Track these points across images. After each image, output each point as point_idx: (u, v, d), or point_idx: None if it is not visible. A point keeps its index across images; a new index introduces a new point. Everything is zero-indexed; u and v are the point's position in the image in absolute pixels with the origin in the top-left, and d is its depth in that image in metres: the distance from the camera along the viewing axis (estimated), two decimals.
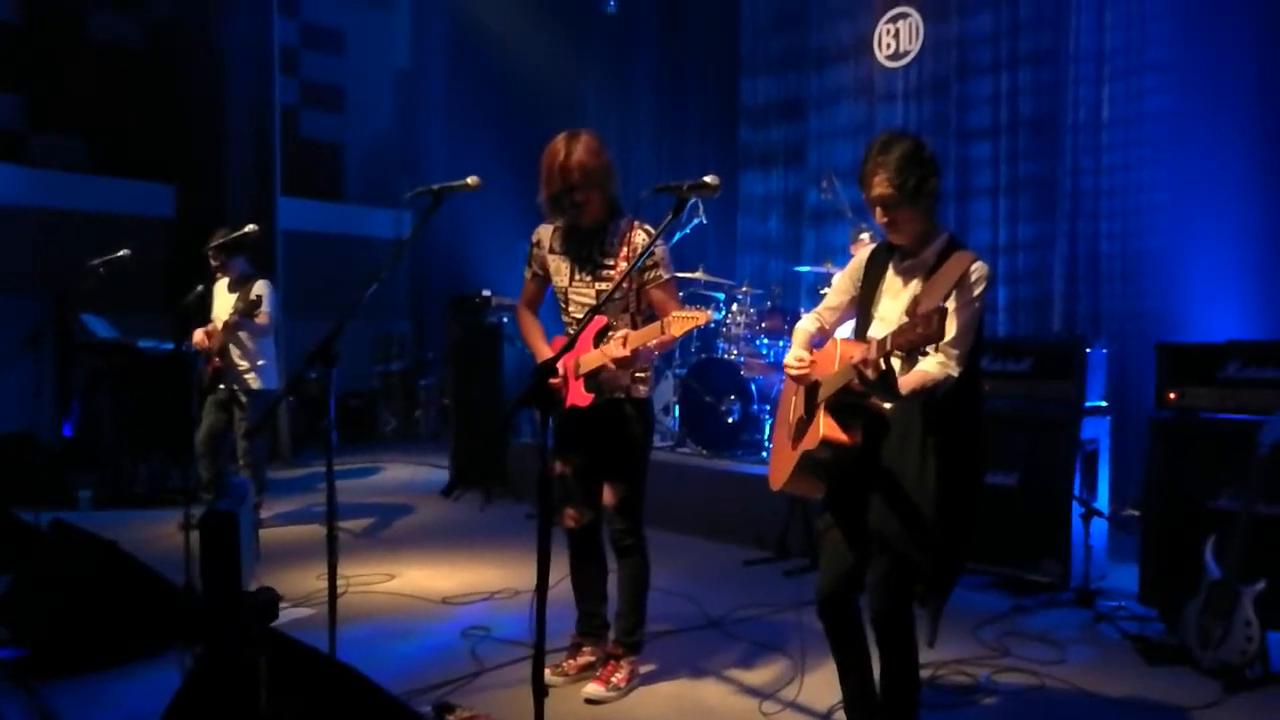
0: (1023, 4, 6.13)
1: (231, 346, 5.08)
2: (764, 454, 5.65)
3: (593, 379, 2.96)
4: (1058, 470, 4.07)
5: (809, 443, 2.35)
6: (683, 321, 2.62)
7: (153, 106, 7.95)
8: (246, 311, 4.87)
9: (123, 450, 6.23)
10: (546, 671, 2.10)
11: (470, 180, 2.75)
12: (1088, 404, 4.15)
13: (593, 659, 3.21)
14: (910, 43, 6.76)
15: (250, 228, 4.42)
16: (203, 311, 5.05)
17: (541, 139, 3.02)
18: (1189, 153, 5.26)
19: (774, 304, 6.29)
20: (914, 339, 2.02)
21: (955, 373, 2.29)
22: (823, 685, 3.01)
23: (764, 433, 5.78)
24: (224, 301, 5.15)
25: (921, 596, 2.41)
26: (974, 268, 2.31)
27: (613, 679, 3.07)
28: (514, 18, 8.69)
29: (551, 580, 2.01)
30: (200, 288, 4.63)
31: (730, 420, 5.80)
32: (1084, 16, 5.79)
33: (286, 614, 3.74)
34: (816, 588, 2.50)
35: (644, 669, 3.23)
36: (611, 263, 3.00)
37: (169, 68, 8.07)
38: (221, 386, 5.10)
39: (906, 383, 2.24)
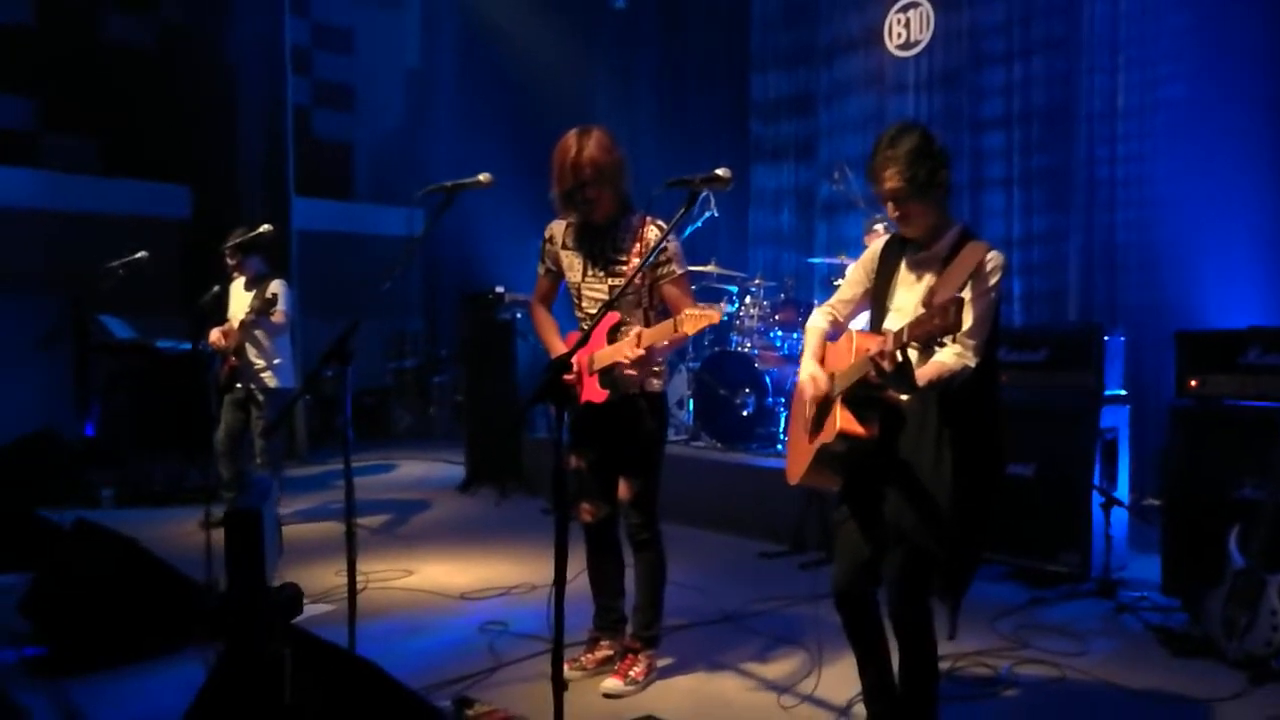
0: None
1: (248, 345, 5.11)
2: (779, 447, 5.64)
3: (607, 375, 2.96)
4: (1076, 460, 4.04)
5: (826, 436, 2.34)
6: (695, 320, 2.62)
7: (166, 108, 8.00)
8: (262, 310, 4.90)
9: (142, 449, 6.28)
10: (564, 666, 2.10)
11: (483, 177, 2.75)
12: (1106, 393, 4.12)
13: (610, 653, 3.22)
14: (921, 32, 6.71)
15: (265, 227, 4.45)
16: (219, 311, 5.09)
17: (551, 136, 3.02)
18: (1204, 141, 5.21)
19: (787, 296, 6.28)
20: (931, 330, 2.01)
21: (973, 363, 2.28)
22: (840, 678, 3.00)
23: (778, 426, 5.77)
24: (240, 301, 5.18)
25: (939, 589, 2.40)
26: (989, 257, 2.30)
27: (630, 673, 3.08)
28: (523, 16, 8.69)
29: (568, 575, 2.02)
30: (216, 288, 4.67)
31: (745, 413, 5.79)
32: (1098, 4, 5.72)
33: (306, 610, 3.76)
34: (833, 581, 2.49)
35: (661, 663, 3.23)
36: (624, 258, 3.00)
37: (182, 69, 8.12)
38: (238, 385, 5.13)
39: (923, 374, 2.23)
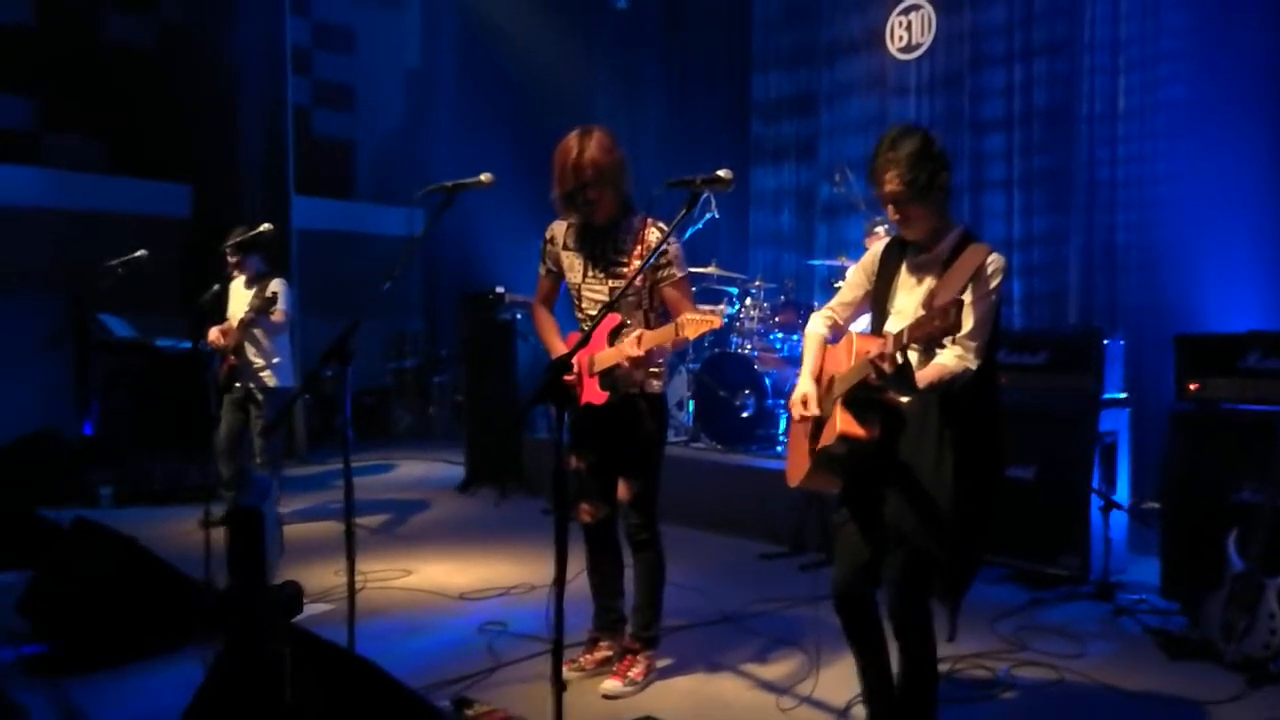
0: None
1: (247, 344, 5.10)
2: (778, 449, 5.64)
3: (607, 376, 2.96)
4: (1075, 463, 4.05)
5: (826, 438, 2.35)
6: (696, 324, 2.62)
7: (166, 107, 7.99)
8: (262, 309, 4.89)
9: (141, 448, 6.28)
10: (563, 666, 2.10)
11: (484, 177, 2.76)
12: (1106, 396, 4.12)
13: (609, 653, 3.22)
14: (922, 35, 6.72)
15: (266, 226, 4.45)
16: (219, 310, 5.08)
17: (552, 136, 3.02)
18: (1205, 143, 5.21)
19: (787, 298, 6.28)
20: (931, 331, 2.01)
21: (974, 365, 2.28)
22: (838, 680, 3.01)
23: (778, 427, 5.77)
24: (240, 299, 5.18)
25: (939, 591, 2.40)
26: (990, 260, 2.30)
27: (629, 674, 3.08)
28: (524, 15, 8.69)
29: (568, 575, 2.02)
30: (216, 287, 4.67)
31: (744, 415, 5.79)
32: (1099, 6, 5.72)
33: (305, 609, 3.76)
34: (833, 582, 2.49)
35: (660, 664, 3.24)
36: (625, 260, 3.00)
37: (182, 68, 8.11)
38: (237, 385, 5.13)
39: (924, 376, 2.23)
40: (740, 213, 7.73)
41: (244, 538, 3.33)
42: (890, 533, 2.35)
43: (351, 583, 2.57)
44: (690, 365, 6.32)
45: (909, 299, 2.43)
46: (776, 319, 6.07)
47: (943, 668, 2.83)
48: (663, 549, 3.17)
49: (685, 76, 8.55)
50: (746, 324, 6.13)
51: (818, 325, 2.63)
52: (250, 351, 5.12)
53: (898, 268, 2.49)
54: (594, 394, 2.99)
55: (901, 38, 6.84)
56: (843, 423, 2.27)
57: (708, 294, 6.38)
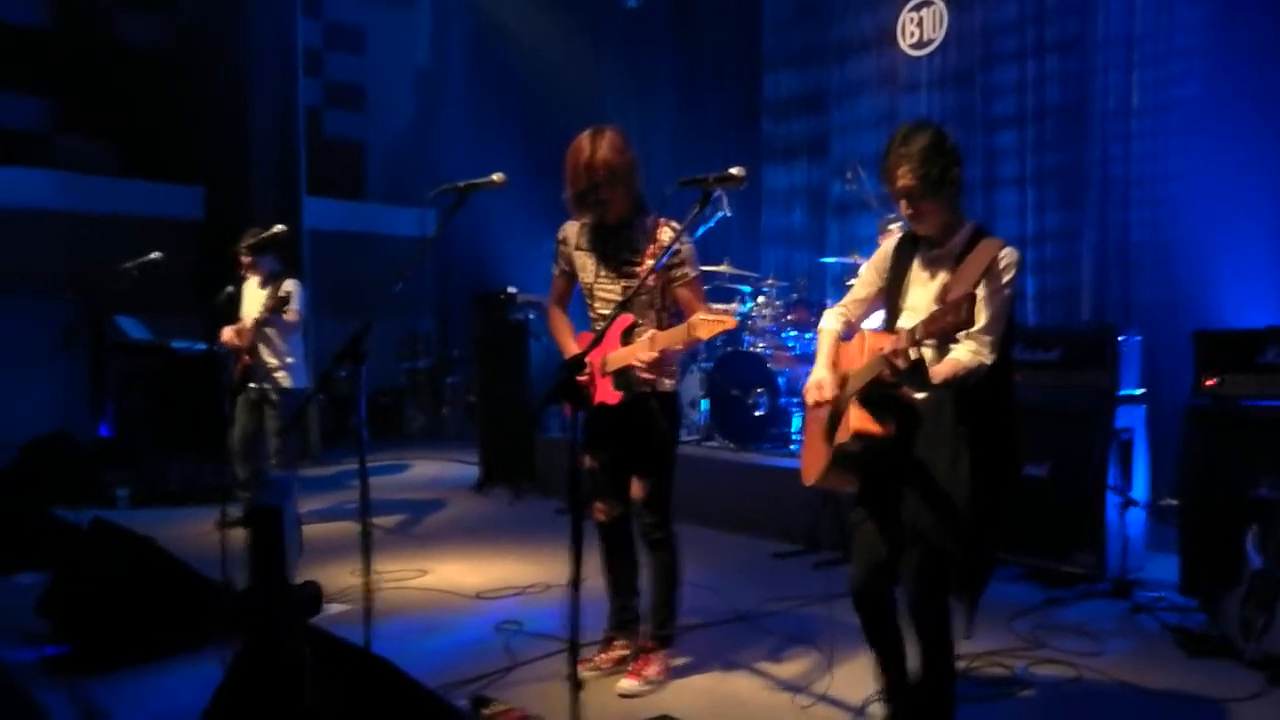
0: None
1: (261, 345, 5.12)
2: (792, 447, 5.63)
3: (620, 376, 2.96)
4: (1090, 460, 4.02)
5: (841, 436, 2.34)
6: (710, 325, 2.62)
7: (179, 109, 8.04)
8: (275, 308, 4.90)
9: (157, 449, 6.32)
10: (579, 665, 2.10)
11: (496, 177, 2.75)
12: (1121, 392, 4.10)
13: (625, 652, 3.22)
14: (934, 31, 6.69)
15: (279, 228, 4.46)
16: (233, 311, 5.11)
17: (563, 135, 3.03)
18: (1219, 140, 5.17)
19: (800, 296, 6.26)
20: (944, 326, 2.01)
21: (989, 360, 2.27)
22: (854, 678, 3.00)
23: (791, 425, 5.76)
24: (254, 300, 5.20)
25: (957, 588, 2.39)
26: (1003, 254, 2.29)
27: (645, 672, 3.08)
28: (534, 15, 8.70)
29: (583, 574, 2.02)
30: (230, 288, 4.69)
31: (757, 413, 5.78)
32: (1112, 2, 5.69)
33: (321, 609, 3.78)
34: (851, 581, 2.49)
35: (676, 662, 3.24)
36: (637, 260, 3.00)
37: (195, 70, 8.16)
38: (251, 385, 5.15)
39: (939, 372, 2.23)
40: (752, 211, 7.72)
41: (264, 537, 3.35)
42: (907, 530, 2.35)
43: (368, 583, 2.58)
44: (703, 364, 6.31)
45: (922, 294, 2.42)
46: (789, 317, 6.06)
47: (960, 665, 2.82)
48: (677, 548, 3.17)
49: (695, 75, 8.54)
50: (759, 322, 6.12)
51: (831, 321, 2.63)
52: (264, 352, 5.14)
53: (910, 263, 2.48)
54: (607, 393, 2.99)
55: (913, 34, 6.81)
56: (858, 420, 2.27)
57: (720, 292, 6.37)
